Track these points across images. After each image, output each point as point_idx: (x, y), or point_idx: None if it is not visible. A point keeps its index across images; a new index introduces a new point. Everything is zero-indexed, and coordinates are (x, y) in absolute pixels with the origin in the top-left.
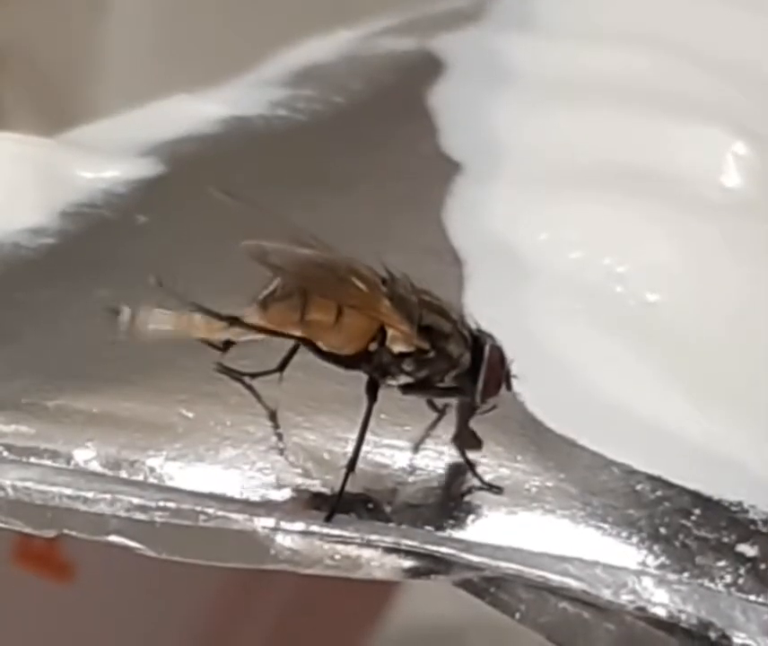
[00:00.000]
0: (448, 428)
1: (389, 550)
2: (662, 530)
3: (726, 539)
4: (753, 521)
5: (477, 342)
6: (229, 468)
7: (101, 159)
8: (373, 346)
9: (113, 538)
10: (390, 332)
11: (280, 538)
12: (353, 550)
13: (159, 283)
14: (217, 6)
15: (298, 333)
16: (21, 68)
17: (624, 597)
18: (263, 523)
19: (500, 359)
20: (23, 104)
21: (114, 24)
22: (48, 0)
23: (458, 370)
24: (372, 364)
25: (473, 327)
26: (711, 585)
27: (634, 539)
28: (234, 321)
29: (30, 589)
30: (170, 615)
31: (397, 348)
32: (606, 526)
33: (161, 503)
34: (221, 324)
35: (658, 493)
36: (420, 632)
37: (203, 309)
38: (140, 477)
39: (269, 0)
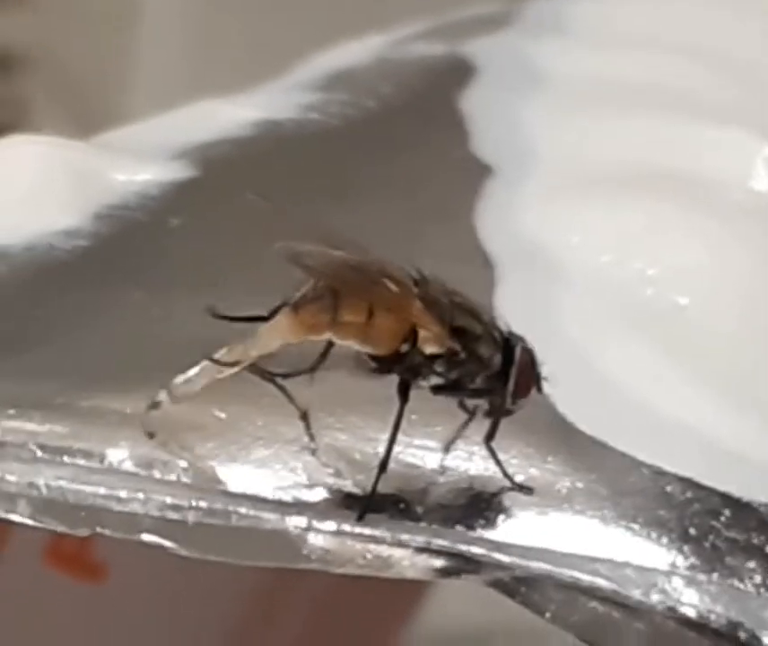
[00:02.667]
0: (478, 429)
1: (421, 550)
2: (692, 531)
3: (755, 540)
4: None
5: (508, 344)
6: (261, 468)
7: (134, 162)
8: (405, 348)
9: (146, 537)
10: (422, 333)
11: (312, 538)
12: (384, 549)
13: (212, 313)
14: (248, 11)
15: (329, 335)
16: (52, 73)
17: (654, 598)
18: (295, 523)
19: (530, 361)
20: (54, 108)
21: (145, 29)
22: (79, 4)
23: (489, 371)
24: (404, 365)
25: (504, 329)
26: (741, 585)
27: (664, 540)
28: (258, 319)
29: (61, 590)
30: (200, 617)
31: (429, 349)
32: (636, 527)
33: (194, 503)
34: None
35: (688, 494)
36: (448, 635)
37: (225, 316)
38: (173, 477)
39: (301, 5)
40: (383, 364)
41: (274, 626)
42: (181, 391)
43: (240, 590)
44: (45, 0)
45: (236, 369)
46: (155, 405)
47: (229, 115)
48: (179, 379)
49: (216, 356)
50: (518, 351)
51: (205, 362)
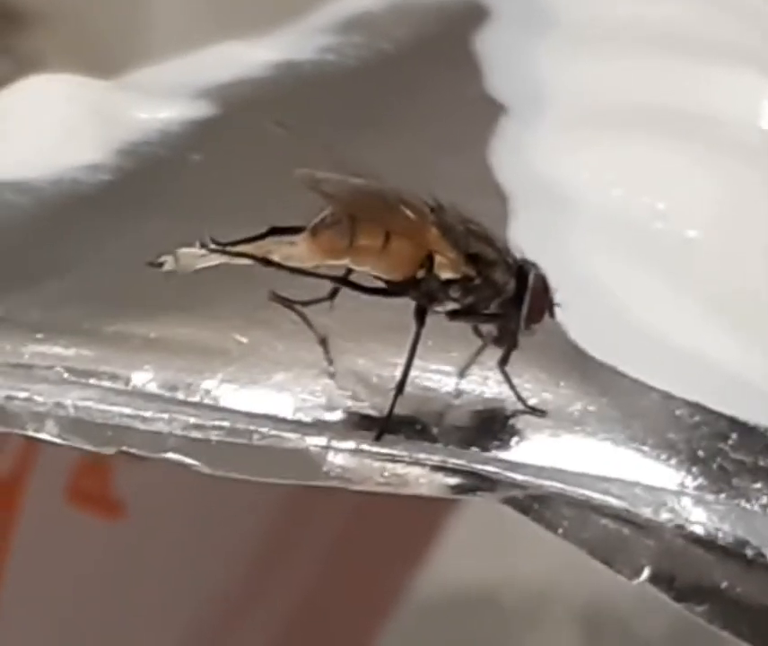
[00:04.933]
0: (493, 354)
1: (436, 468)
2: (700, 453)
3: (762, 463)
4: None
5: (522, 270)
6: (281, 391)
7: (156, 100)
8: (421, 273)
9: (170, 455)
10: (438, 259)
11: (331, 456)
12: (401, 468)
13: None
14: None
15: (346, 260)
16: (67, 27)
17: (664, 516)
18: (315, 441)
19: (543, 287)
20: (69, 63)
21: None
22: None
23: (504, 296)
24: (420, 290)
25: (517, 256)
26: (748, 505)
27: (673, 461)
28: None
29: (82, 528)
30: (221, 545)
31: (445, 275)
32: (646, 448)
33: (217, 423)
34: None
35: (697, 418)
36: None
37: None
38: (196, 399)
39: None
40: (399, 289)
41: (291, 564)
42: (185, 261)
43: (255, 524)
44: None
45: (244, 260)
46: (158, 265)
47: (248, 56)
48: (185, 249)
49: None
50: (531, 277)
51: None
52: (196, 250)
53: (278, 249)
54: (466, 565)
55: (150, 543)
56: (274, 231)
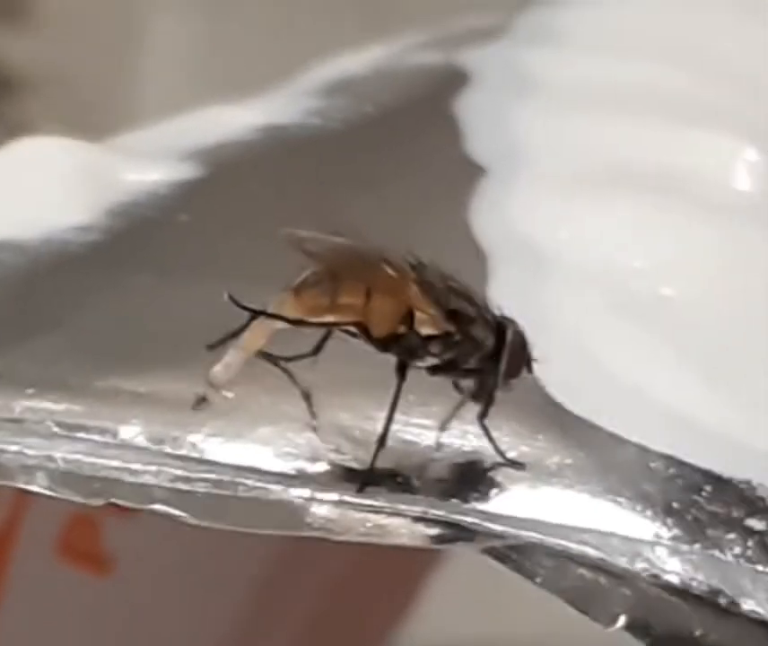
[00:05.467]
0: (472, 409)
1: (417, 519)
2: (675, 505)
3: (735, 514)
4: (761, 498)
5: (500, 326)
6: (266, 445)
7: (144, 162)
8: (402, 329)
9: (157, 507)
10: (418, 315)
11: (315, 508)
12: (383, 518)
13: (231, 299)
14: (250, 26)
15: (329, 317)
16: (56, 93)
17: (639, 565)
18: (298, 493)
19: (521, 343)
20: (60, 129)
21: (149, 47)
22: (82, 25)
23: (482, 352)
24: (401, 346)
25: (496, 313)
26: (722, 555)
27: (649, 513)
28: (259, 313)
29: (72, 584)
30: (205, 607)
31: (425, 331)
32: (622, 500)
33: (203, 475)
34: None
35: (672, 470)
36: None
37: (240, 305)
38: (183, 452)
39: (302, 17)
40: (381, 346)
41: (277, 615)
42: (220, 379)
43: (245, 578)
44: (47, 20)
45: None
46: (201, 400)
47: (234, 119)
48: (217, 367)
49: (241, 343)
50: (509, 333)
51: (233, 348)
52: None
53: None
54: (451, 621)
55: (140, 598)
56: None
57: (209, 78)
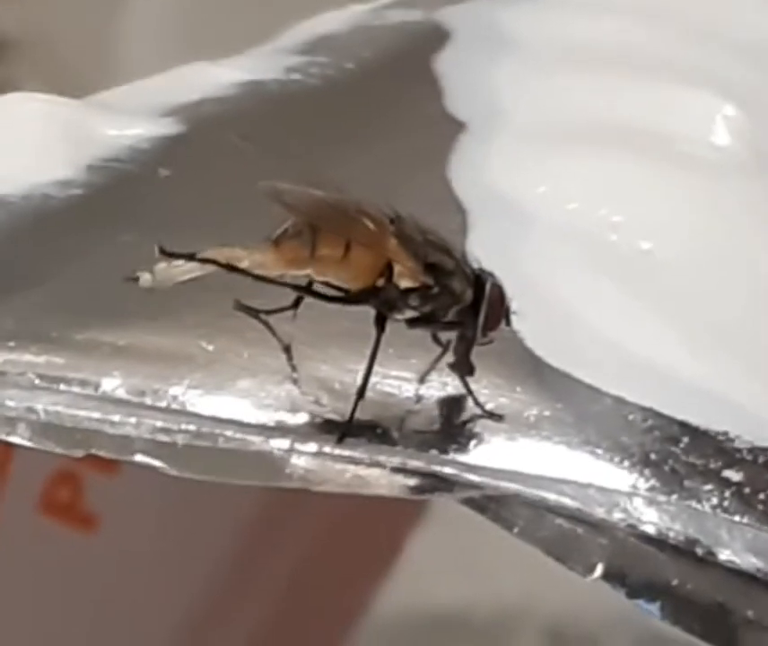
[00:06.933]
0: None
1: (396, 470)
2: (652, 456)
3: (712, 465)
4: (738, 450)
5: (479, 279)
6: (246, 397)
7: (125, 118)
8: (380, 282)
9: (138, 458)
10: (397, 268)
11: (294, 459)
12: (362, 470)
13: (162, 251)
14: None
15: (308, 270)
16: (39, 56)
17: (617, 516)
18: (278, 444)
19: (500, 296)
20: (43, 87)
21: (131, 8)
22: None
23: (461, 305)
24: (380, 299)
25: (475, 266)
26: (698, 506)
27: (626, 464)
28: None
29: (54, 541)
30: (191, 561)
31: (404, 284)
32: (599, 451)
33: (183, 427)
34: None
35: (649, 422)
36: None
37: (176, 254)
38: (163, 404)
39: None
40: (360, 298)
41: (259, 574)
42: (161, 276)
43: (226, 535)
44: None
45: (212, 268)
46: (134, 279)
47: (215, 76)
48: (162, 265)
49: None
50: (488, 286)
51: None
52: (174, 264)
53: (243, 259)
54: (435, 585)
55: (123, 555)
56: None
57: (191, 38)
